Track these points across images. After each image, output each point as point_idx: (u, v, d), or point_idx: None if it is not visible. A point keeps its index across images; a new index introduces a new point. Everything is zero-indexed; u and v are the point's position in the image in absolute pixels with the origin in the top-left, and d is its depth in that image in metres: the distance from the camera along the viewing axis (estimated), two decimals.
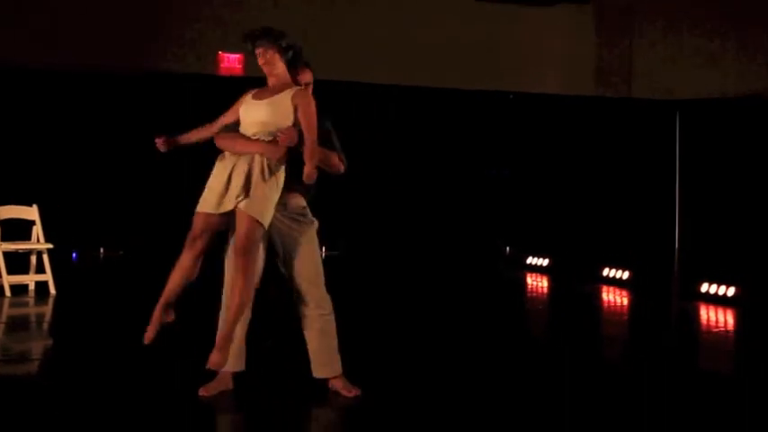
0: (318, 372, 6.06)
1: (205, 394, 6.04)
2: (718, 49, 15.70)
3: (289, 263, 6.02)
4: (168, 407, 6.00)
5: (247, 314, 6.07)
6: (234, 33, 15.61)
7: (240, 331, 6.05)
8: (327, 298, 6.09)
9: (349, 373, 6.12)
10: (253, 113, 5.90)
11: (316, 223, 6.09)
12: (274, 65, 6.01)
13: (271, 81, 6.03)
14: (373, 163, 14.48)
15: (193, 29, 15.70)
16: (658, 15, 17.18)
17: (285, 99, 5.86)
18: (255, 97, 6.00)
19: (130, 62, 14.78)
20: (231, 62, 15.40)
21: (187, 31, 15.65)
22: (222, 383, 6.09)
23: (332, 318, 6.09)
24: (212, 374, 6.09)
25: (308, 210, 6.09)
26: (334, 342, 6.09)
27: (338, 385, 6.05)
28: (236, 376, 6.14)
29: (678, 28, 16.68)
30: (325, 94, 6.67)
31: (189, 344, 7.80)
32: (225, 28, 15.53)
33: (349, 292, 11.21)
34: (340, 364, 6.09)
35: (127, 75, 14.33)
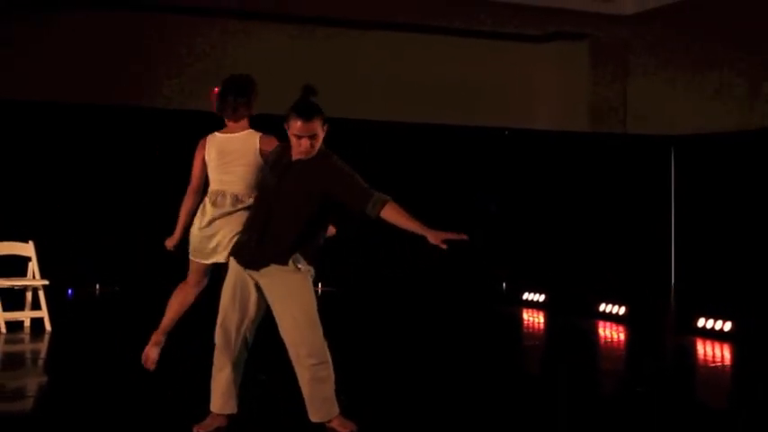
0: (314, 417, 5.95)
1: (200, 431, 6.02)
2: (714, 85, 15.77)
3: (276, 314, 5.92)
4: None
5: (242, 355, 6.05)
6: (226, 70, 15.71)
7: (233, 374, 6.03)
8: (323, 346, 5.87)
9: (346, 409, 6.10)
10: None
11: (306, 270, 5.87)
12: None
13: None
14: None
15: (187, 64, 15.78)
16: (653, 51, 17.27)
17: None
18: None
19: (124, 96, 14.84)
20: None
21: (181, 66, 15.73)
22: (216, 421, 6.07)
23: (326, 365, 5.88)
24: (206, 410, 6.07)
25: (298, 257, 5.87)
26: (329, 388, 5.91)
27: (335, 424, 6.00)
28: (231, 416, 6.11)
29: (673, 63, 16.77)
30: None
31: (183, 380, 7.81)
32: (219, 64, 15.61)
33: (344, 328, 11.20)
34: (336, 406, 5.95)
35: (121, 108, 14.36)
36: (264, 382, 7.39)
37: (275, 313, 5.88)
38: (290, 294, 5.82)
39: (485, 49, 17.35)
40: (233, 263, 5.93)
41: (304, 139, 5.73)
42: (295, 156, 5.81)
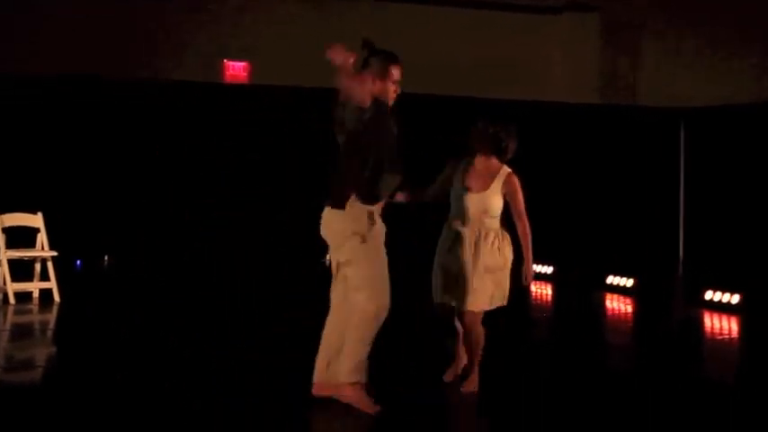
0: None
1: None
2: (724, 58, 15.71)
3: None
4: (170, 413, 6.02)
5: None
6: (239, 41, 15.68)
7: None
8: None
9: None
10: None
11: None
12: None
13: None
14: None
15: (199, 37, 15.75)
16: (663, 23, 17.20)
17: None
18: None
19: (135, 69, 14.82)
20: (236, 70, 15.45)
21: (193, 38, 15.70)
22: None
23: None
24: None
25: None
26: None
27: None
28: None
29: (683, 36, 16.69)
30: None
31: (192, 355, 7.86)
32: (230, 36, 15.58)
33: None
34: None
35: (131, 82, 14.34)
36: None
37: None
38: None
39: (496, 20, 17.29)
40: None
41: (397, 84, 6.20)
42: (392, 102, 6.19)
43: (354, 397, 6.03)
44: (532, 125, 15.70)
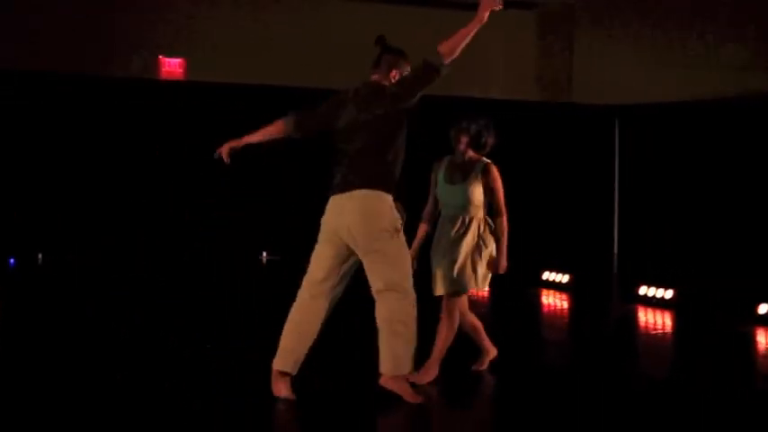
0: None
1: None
2: (659, 56, 15.85)
3: None
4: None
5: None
6: (176, 37, 15.56)
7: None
8: None
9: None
10: None
11: None
12: None
13: None
14: (315, 166, 14.44)
15: (135, 33, 15.62)
16: (600, 21, 17.32)
17: None
18: None
19: (70, 64, 14.66)
20: (172, 66, 15.32)
21: (129, 34, 15.57)
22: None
23: None
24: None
25: None
26: None
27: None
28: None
29: (619, 34, 16.83)
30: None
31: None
32: (167, 32, 15.46)
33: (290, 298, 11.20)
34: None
35: (65, 77, 14.19)
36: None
37: None
38: None
39: (433, 16, 17.30)
40: None
41: None
42: None
43: (399, 388, 6.17)
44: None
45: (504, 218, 6.93)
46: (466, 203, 6.88)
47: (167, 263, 13.91)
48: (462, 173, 6.98)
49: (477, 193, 6.91)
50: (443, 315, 6.96)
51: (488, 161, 7.11)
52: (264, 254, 14.56)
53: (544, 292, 12.30)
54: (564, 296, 12.07)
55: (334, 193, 6.22)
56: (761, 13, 13.89)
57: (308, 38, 16.13)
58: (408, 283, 6.18)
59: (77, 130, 14.24)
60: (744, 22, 14.25)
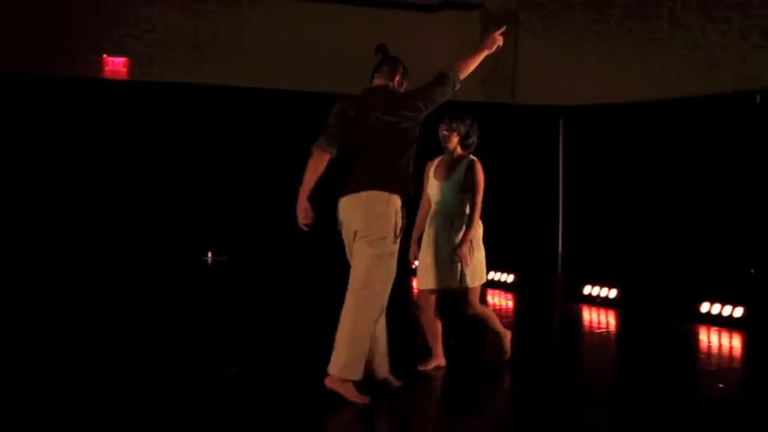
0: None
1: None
2: (601, 57, 15.99)
3: None
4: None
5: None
6: (120, 36, 15.45)
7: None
8: None
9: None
10: None
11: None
12: None
13: None
14: (263, 166, 14.42)
15: (79, 32, 15.48)
16: (543, 22, 17.45)
17: None
18: None
19: (14, 64, 14.52)
20: (116, 66, 15.22)
21: (73, 34, 15.43)
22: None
23: None
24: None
25: None
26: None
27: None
28: None
29: (562, 35, 16.96)
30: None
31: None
32: (111, 31, 15.35)
33: (235, 297, 11.15)
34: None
35: (6, 76, 14.04)
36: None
37: None
38: None
39: (376, 17, 17.33)
40: None
41: None
42: None
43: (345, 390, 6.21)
44: None
45: (477, 213, 7.32)
46: (452, 199, 7.27)
47: (108, 263, 13.78)
48: (451, 170, 7.36)
49: (463, 187, 7.29)
50: (475, 309, 7.43)
51: (474, 158, 7.50)
52: (209, 254, 14.54)
53: (490, 291, 12.34)
54: (509, 296, 12.13)
55: (345, 194, 6.39)
56: (696, 19, 14.10)
57: (251, 36, 16.12)
58: (387, 289, 6.36)
59: (21, 130, 14.08)
60: (679, 25, 14.46)
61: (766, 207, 10.27)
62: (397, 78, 6.84)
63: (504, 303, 11.76)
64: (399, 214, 6.36)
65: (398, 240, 6.37)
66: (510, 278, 12.57)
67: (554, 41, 16.99)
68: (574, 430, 5.94)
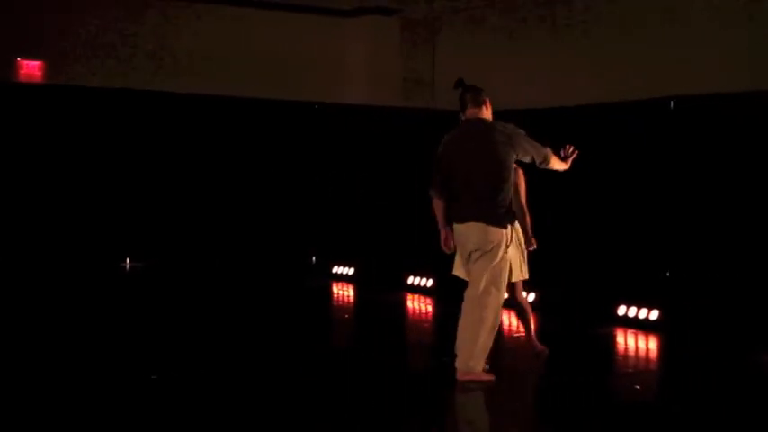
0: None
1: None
2: (525, 61, 16.08)
3: None
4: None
5: None
6: (34, 39, 15.23)
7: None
8: None
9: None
10: None
11: None
12: None
13: None
14: (183, 173, 14.32)
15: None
16: (462, 27, 17.55)
17: None
18: None
19: None
20: (31, 69, 15.00)
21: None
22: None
23: None
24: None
25: None
26: None
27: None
28: None
29: (482, 39, 17.06)
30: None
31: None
32: (26, 34, 15.12)
33: (153, 303, 11.04)
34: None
35: None
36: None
37: None
38: None
39: (295, 22, 17.29)
40: None
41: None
42: None
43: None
44: (333, 127, 15.82)
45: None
46: None
47: (25, 268, 13.58)
48: None
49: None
50: (521, 300, 8.31)
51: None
52: (128, 260, 14.36)
53: (409, 296, 12.37)
54: (429, 300, 12.16)
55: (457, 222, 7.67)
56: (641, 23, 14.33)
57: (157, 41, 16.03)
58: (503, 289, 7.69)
59: None
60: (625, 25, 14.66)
61: (681, 210, 10.42)
62: (487, 104, 7.81)
63: (423, 307, 11.79)
64: (506, 232, 7.41)
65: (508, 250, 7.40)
66: (429, 282, 12.61)
67: (475, 45, 17.08)
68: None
